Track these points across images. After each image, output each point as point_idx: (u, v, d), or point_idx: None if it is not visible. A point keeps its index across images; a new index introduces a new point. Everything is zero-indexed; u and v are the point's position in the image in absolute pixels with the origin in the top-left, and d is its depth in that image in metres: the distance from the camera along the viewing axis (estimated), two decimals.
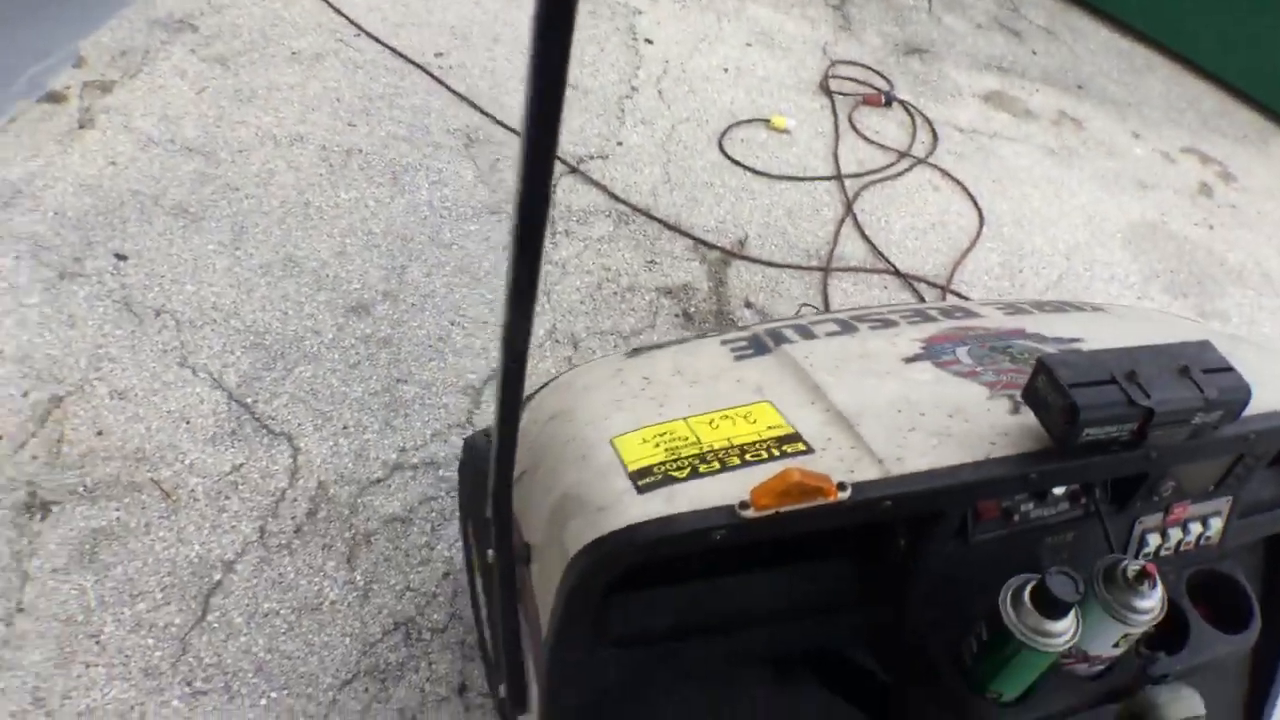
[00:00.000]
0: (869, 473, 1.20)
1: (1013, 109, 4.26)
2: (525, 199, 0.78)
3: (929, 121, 3.94)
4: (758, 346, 1.54)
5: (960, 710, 1.36)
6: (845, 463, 1.22)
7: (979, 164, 3.84)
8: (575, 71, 3.60)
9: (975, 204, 3.63)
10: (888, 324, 1.62)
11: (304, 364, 2.46)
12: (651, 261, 2.96)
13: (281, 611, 2.09)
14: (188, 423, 2.31)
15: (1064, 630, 1.20)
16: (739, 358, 1.51)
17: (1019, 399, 1.29)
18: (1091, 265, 3.63)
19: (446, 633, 2.12)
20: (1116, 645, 1.32)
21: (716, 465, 1.21)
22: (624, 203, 3.12)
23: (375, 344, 2.53)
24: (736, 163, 3.41)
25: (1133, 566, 1.27)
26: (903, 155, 3.71)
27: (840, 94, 3.90)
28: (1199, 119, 4.74)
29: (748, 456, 1.23)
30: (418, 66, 3.39)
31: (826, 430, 1.29)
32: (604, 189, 3.14)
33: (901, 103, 3.97)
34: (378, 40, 3.46)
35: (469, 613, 2.12)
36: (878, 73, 4.11)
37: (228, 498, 2.20)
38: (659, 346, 1.64)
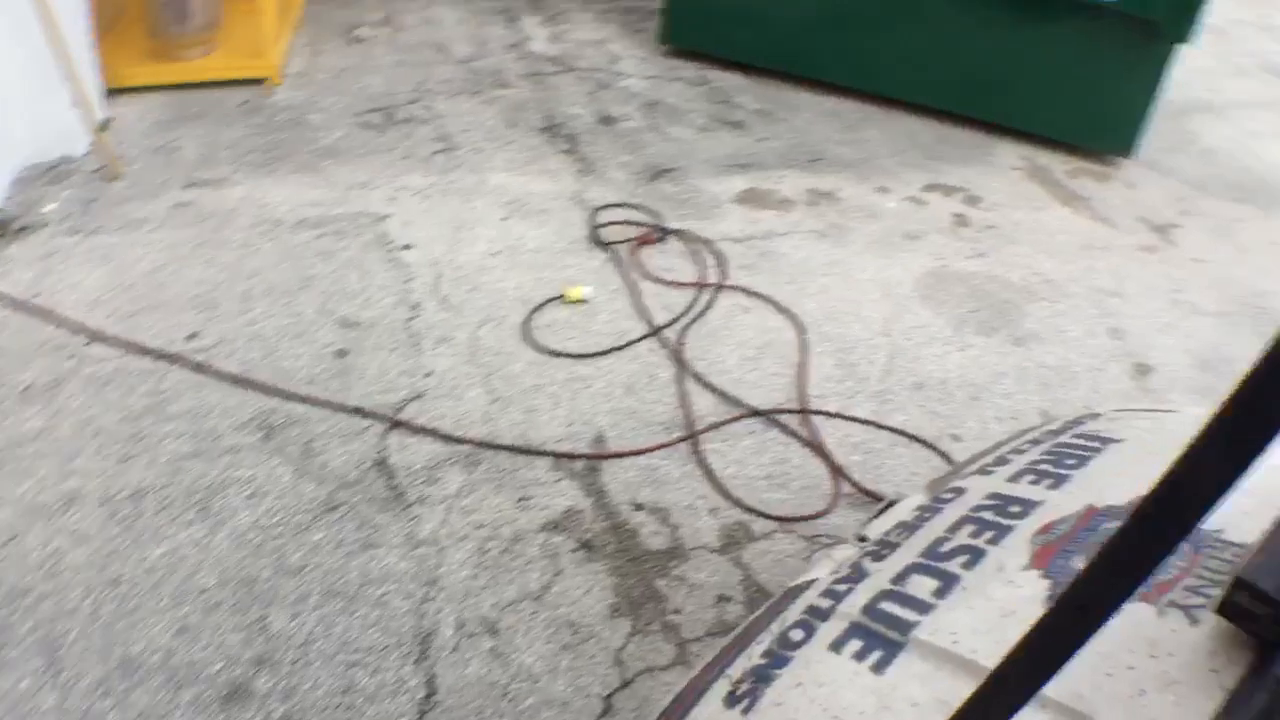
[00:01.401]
0: None
1: (770, 203, 4.26)
2: None
3: (706, 242, 3.85)
4: (881, 643, 1.34)
5: None
6: None
7: (769, 270, 3.79)
8: (345, 306, 3.26)
9: (785, 312, 3.56)
10: (975, 554, 1.48)
11: None
12: (522, 499, 2.66)
13: None
14: None
15: None
16: (876, 666, 1.29)
17: (1191, 607, 1.26)
18: (909, 334, 3.63)
19: None
20: None
21: None
22: (463, 441, 2.80)
23: None
24: (554, 353, 3.17)
25: None
26: (701, 286, 3.60)
27: (615, 242, 3.75)
28: (925, 154, 4.94)
29: None
30: (173, 359, 2.95)
31: None
32: (435, 433, 2.82)
33: (674, 232, 3.86)
34: (116, 341, 2.99)
35: None
36: (638, 207, 3.99)
37: None
38: (763, 679, 1.39)
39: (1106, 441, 1.85)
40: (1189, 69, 5.63)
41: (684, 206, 4.08)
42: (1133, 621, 1.26)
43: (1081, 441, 1.89)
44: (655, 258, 3.72)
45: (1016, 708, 0.73)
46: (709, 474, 2.85)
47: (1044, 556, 1.43)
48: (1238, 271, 4.53)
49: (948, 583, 1.44)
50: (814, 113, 5.12)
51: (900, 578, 1.51)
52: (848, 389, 3.31)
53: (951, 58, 5.08)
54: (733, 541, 2.68)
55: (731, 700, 1.39)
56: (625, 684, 2.30)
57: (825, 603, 1.52)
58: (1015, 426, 3.06)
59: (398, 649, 2.26)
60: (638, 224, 3.87)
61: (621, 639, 2.38)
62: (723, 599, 2.53)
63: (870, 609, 1.44)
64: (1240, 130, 6.29)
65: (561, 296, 3.40)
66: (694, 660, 2.36)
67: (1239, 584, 1.15)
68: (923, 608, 1.40)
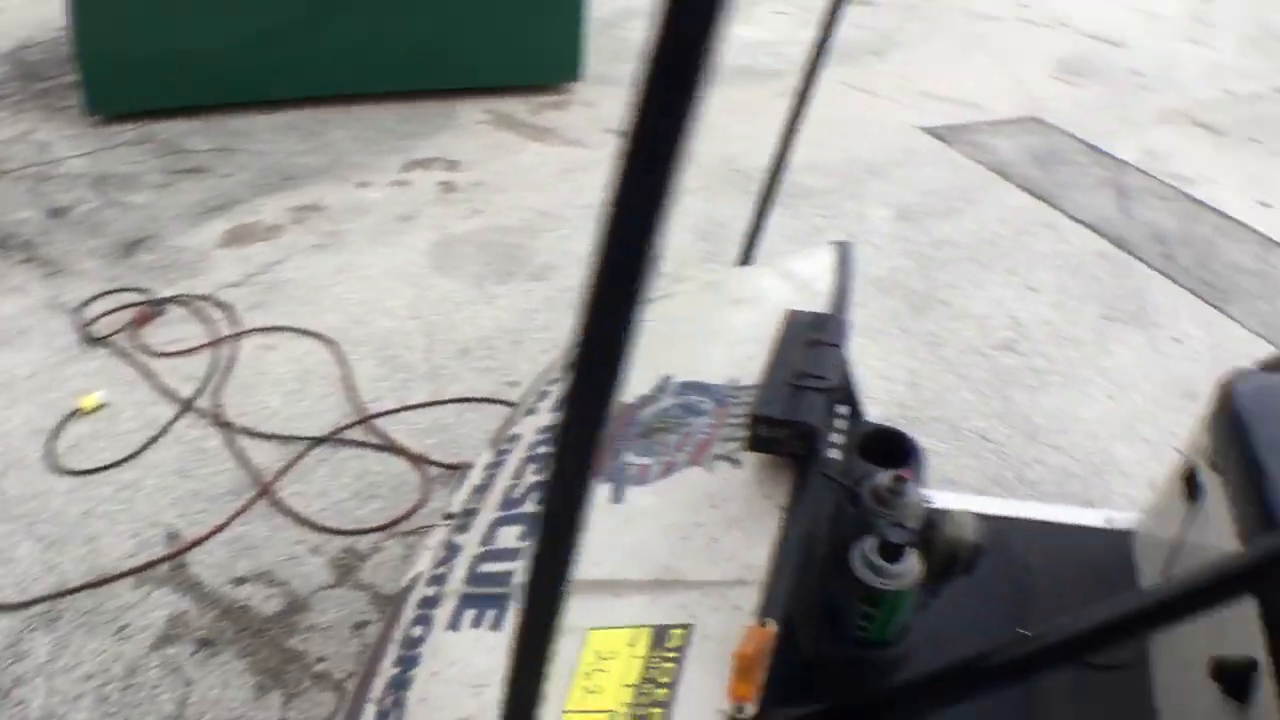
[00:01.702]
0: (748, 596, 1.24)
1: (256, 235, 4.18)
2: None
3: (206, 297, 3.73)
4: (491, 602, 1.45)
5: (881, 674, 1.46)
6: (724, 610, 1.24)
7: (280, 300, 3.75)
8: None
9: (311, 334, 3.56)
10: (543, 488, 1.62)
11: None
12: (120, 630, 2.51)
13: None
14: None
15: (912, 566, 1.38)
16: (494, 624, 1.41)
17: (731, 454, 1.50)
18: (436, 308, 3.77)
19: None
20: None
21: (659, 713, 1.15)
22: (31, 603, 2.57)
23: None
24: (90, 471, 2.96)
25: (886, 478, 1.47)
26: (216, 343, 3.49)
27: (111, 334, 3.51)
28: (394, 137, 5.06)
29: (661, 679, 1.18)
30: None
31: (671, 599, 1.29)
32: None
33: (170, 300, 3.70)
34: None
35: None
36: (123, 289, 3.76)
37: None
38: (401, 686, 1.46)
39: None
40: None
41: (171, 271, 3.90)
42: (690, 485, 1.47)
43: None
44: (160, 333, 3.54)
45: (556, 595, 0.83)
46: (296, 518, 2.83)
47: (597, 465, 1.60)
48: (709, 145, 5.06)
49: (530, 524, 1.57)
50: (271, 133, 5.04)
51: (488, 537, 1.62)
52: (399, 381, 3.39)
53: (387, 38, 5.19)
54: (346, 569, 2.70)
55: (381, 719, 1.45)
56: None
57: (432, 590, 1.61)
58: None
59: None
60: (129, 306, 3.65)
61: (278, 711, 2.35)
62: (359, 626, 2.56)
63: (471, 577, 1.55)
64: None
65: (77, 411, 3.17)
66: None
67: (756, 419, 1.40)
68: (515, 555, 1.53)
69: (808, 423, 1.40)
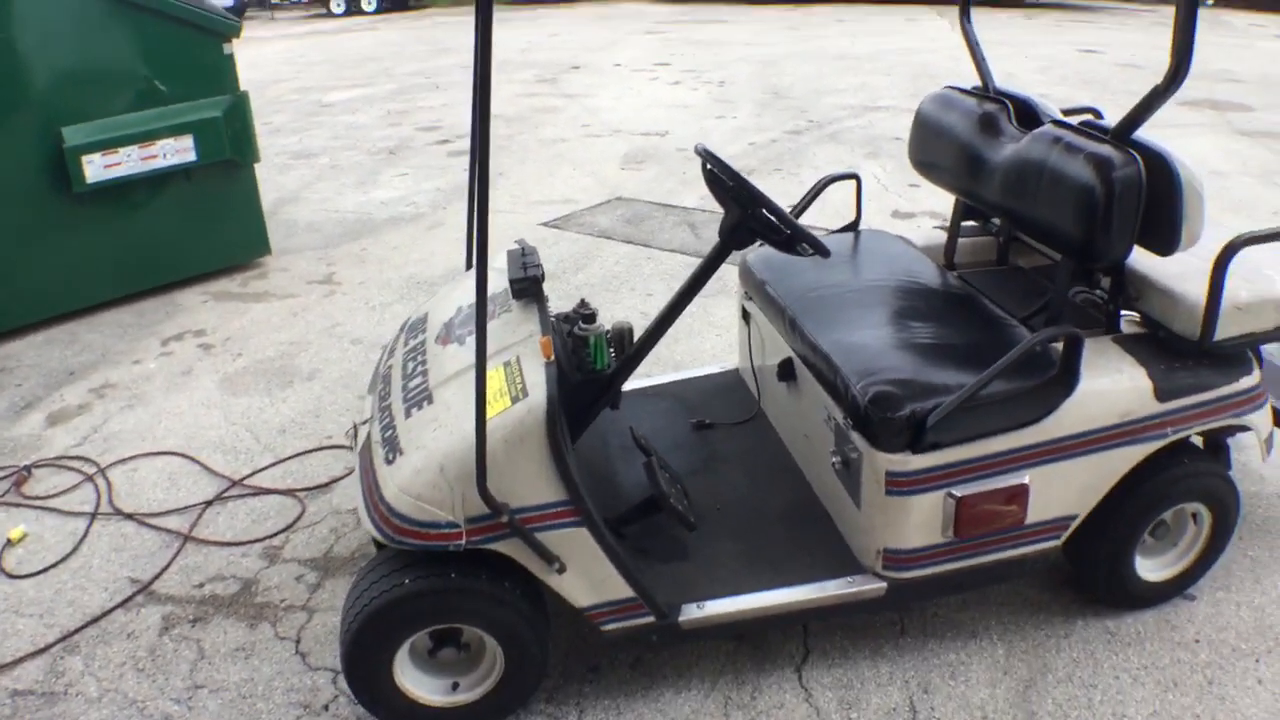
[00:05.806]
0: (536, 338, 2.73)
1: (72, 413, 5.15)
2: None
3: (63, 457, 4.71)
4: (417, 400, 2.81)
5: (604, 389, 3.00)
6: (530, 345, 2.75)
7: (122, 442, 4.80)
8: None
9: (171, 453, 4.66)
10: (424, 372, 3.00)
11: None
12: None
13: None
14: None
15: (599, 328, 2.98)
16: (420, 406, 2.78)
17: (509, 308, 3.00)
18: (248, 413, 4.96)
19: None
20: None
21: (519, 377, 2.63)
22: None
23: None
24: (46, 570, 3.94)
25: (582, 310, 3.06)
26: (91, 476, 4.52)
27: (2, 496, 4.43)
28: (142, 326, 6.14)
29: (517, 374, 2.66)
30: None
31: (507, 353, 2.77)
32: None
33: (33, 465, 4.63)
34: None
35: None
36: None
37: None
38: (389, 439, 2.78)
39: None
40: None
41: (15, 454, 4.74)
42: (496, 322, 2.96)
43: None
44: (38, 486, 4.47)
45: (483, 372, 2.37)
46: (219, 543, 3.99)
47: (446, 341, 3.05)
48: (405, 261, 6.47)
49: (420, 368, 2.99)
50: (33, 350, 5.91)
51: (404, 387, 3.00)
52: (245, 457, 4.59)
53: (108, 253, 6.23)
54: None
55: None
56: None
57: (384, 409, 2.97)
58: None
59: None
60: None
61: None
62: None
63: (404, 399, 2.93)
64: None
65: (8, 542, 4.09)
66: None
67: (512, 281, 2.94)
68: (424, 378, 2.94)
69: (533, 277, 2.94)
